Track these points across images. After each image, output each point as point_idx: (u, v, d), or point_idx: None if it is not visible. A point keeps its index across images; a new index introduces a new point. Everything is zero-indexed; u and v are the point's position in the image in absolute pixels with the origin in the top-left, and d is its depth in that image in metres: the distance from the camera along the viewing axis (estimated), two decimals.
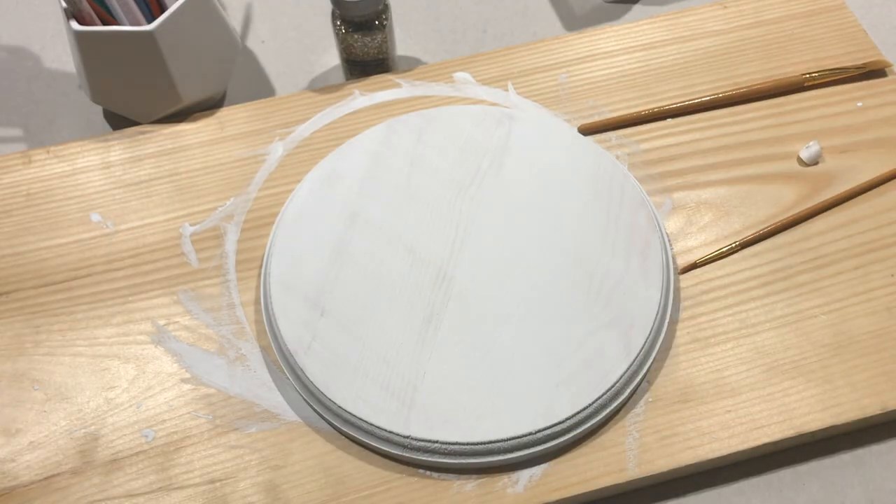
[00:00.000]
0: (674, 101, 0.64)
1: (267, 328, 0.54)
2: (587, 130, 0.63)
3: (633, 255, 0.55)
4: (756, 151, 0.61)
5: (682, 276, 0.56)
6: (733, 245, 0.57)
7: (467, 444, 0.49)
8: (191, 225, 0.60)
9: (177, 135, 0.65)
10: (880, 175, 0.59)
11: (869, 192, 0.59)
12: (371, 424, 0.49)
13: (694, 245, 0.57)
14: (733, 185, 0.60)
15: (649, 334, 0.52)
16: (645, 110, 0.63)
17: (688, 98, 0.64)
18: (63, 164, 0.64)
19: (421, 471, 0.50)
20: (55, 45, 0.75)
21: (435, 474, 0.49)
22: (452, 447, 0.49)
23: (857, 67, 0.64)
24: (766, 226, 0.57)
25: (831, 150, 0.61)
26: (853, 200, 0.58)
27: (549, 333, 0.52)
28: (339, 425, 0.51)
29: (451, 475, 0.49)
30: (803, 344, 0.53)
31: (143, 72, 0.61)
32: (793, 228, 0.57)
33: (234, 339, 0.55)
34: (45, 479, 0.50)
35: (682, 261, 0.57)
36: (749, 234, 0.57)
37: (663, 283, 0.54)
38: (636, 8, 0.73)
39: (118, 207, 0.61)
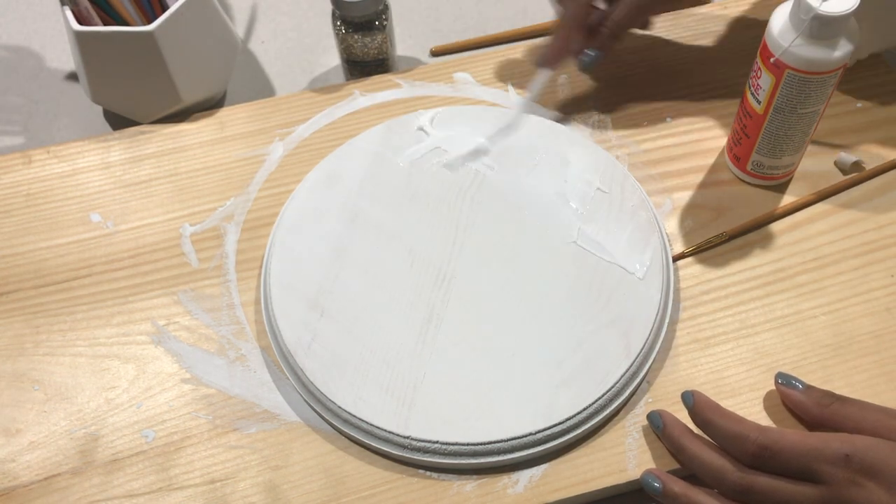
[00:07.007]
0: (674, 100, 0.63)
1: (267, 328, 0.54)
2: (439, 52, 0.71)
3: (633, 255, 0.55)
4: None
5: (682, 277, 0.56)
6: (721, 235, 0.57)
7: (467, 444, 0.49)
8: (191, 225, 0.60)
9: (177, 135, 0.65)
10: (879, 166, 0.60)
11: (868, 193, 0.59)
12: (371, 425, 0.49)
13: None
14: (733, 185, 0.60)
15: (649, 334, 0.52)
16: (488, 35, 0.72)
17: (688, 98, 0.64)
18: (63, 164, 0.64)
19: (421, 471, 0.50)
20: (55, 44, 0.75)
21: (435, 475, 0.49)
22: (452, 447, 0.49)
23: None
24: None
25: (831, 151, 0.61)
26: (853, 201, 0.58)
27: (550, 333, 0.52)
28: (339, 425, 0.51)
29: (451, 475, 0.49)
30: (803, 344, 0.53)
31: (143, 72, 0.61)
32: (792, 229, 0.57)
33: (234, 340, 0.55)
34: (45, 479, 0.50)
35: (682, 261, 0.57)
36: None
37: (663, 283, 0.54)
38: None
39: (118, 207, 0.61)
